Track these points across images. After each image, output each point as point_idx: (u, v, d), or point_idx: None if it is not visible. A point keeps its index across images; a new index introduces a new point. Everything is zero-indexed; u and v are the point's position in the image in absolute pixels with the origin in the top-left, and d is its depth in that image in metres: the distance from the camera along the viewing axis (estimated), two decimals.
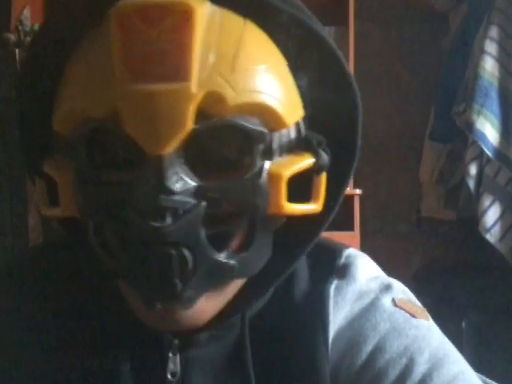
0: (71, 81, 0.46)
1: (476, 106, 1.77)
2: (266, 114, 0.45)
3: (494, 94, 1.78)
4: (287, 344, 0.53)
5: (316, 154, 0.49)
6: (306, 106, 0.50)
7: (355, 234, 1.86)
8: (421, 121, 2.25)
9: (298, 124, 0.49)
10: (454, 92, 1.96)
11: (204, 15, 0.43)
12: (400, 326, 0.53)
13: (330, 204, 0.52)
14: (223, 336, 0.52)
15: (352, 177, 1.81)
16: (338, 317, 0.54)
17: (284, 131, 0.47)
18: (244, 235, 0.47)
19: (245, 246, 0.47)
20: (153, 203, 0.41)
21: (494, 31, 1.79)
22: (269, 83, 0.45)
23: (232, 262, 0.46)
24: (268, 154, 0.46)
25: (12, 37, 2.09)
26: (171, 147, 0.42)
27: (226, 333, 0.52)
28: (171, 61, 0.41)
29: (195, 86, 0.41)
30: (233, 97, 0.43)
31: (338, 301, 0.55)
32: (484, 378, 0.61)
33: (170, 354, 0.51)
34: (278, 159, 0.47)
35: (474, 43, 1.87)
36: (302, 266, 0.57)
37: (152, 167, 0.42)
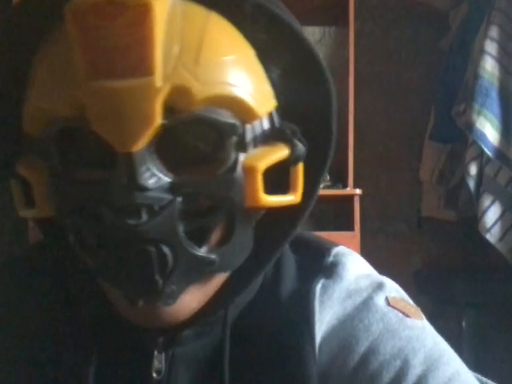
0: (36, 80, 0.46)
1: (476, 106, 1.77)
2: (235, 105, 0.44)
3: (494, 94, 1.78)
4: (271, 343, 0.52)
5: (291, 144, 0.48)
6: (278, 96, 0.49)
7: (355, 234, 1.85)
8: (421, 121, 2.25)
9: (270, 115, 0.48)
10: (454, 92, 1.96)
11: (165, 7, 0.42)
12: (393, 327, 0.52)
13: (310, 193, 0.51)
14: (208, 333, 0.52)
15: (352, 177, 1.81)
16: (325, 316, 0.53)
17: (256, 122, 0.47)
18: (223, 229, 0.47)
19: (225, 240, 0.47)
20: (127, 201, 0.41)
21: (494, 31, 1.79)
22: (236, 74, 0.44)
23: (212, 256, 0.46)
24: (242, 147, 0.45)
25: None
26: (141, 144, 0.41)
27: (210, 330, 0.52)
28: (133, 55, 0.40)
29: (160, 80, 0.41)
30: (199, 90, 0.42)
31: (324, 300, 0.53)
32: (480, 377, 0.60)
33: (155, 352, 0.51)
34: (252, 151, 0.46)
35: (474, 43, 1.87)
36: (289, 265, 0.56)
37: (123, 165, 0.41)
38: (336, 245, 0.59)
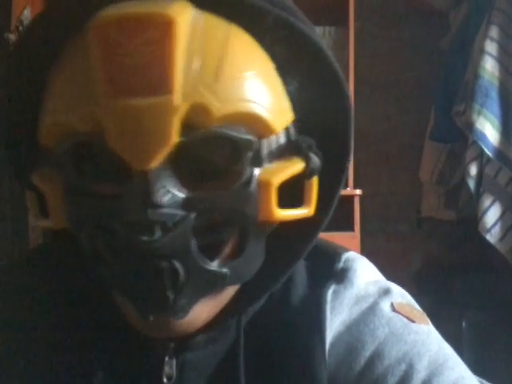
0: (54, 93, 0.46)
1: (476, 106, 1.77)
2: (252, 122, 0.44)
3: (494, 94, 1.78)
4: (283, 349, 0.52)
5: (306, 158, 0.48)
6: (295, 109, 0.49)
7: (355, 235, 1.86)
8: (421, 121, 2.25)
9: (287, 129, 0.48)
10: (454, 92, 1.95)
11: (186, 22, 0.41)
12: (399, 332, 0.52)
13: (326, 206, 0.51)
14: (219, 339, 0.52)
15: (352, 177, 1.81)
16: (335, 322, 0.53)
17: (273, 137, 0.46)
18: (236, 242, 0.47)
19: (237, 253, 0.47)
20: (140, 217, 0.41)
21: (494, 31, 1.79)
22: (255, 90, 0.44)
23: (224, 269, 0.46)
24: (257, 162, 0.45)
25: (12, 37, 2.10)
26: (157, 162, 0.41)
27: (221, 336, 0.52)
28: (152, 73, 0.40)
29: (178, 99, 0.41)
30: (217, 108, 0.42)
31: (335, 306, 0.54)
32: (484, 381, 0.60)
33: (166, 358, 0.51)
34: (267, 166, 0.46)
35: (474, 43, 1.87)
36: (300, 270, 0.56)
37: (138, 182, 0.41)
38: (346, 250, 0.59)
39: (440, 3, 2.21)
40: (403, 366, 0.50)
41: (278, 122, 0.46)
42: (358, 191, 1.87)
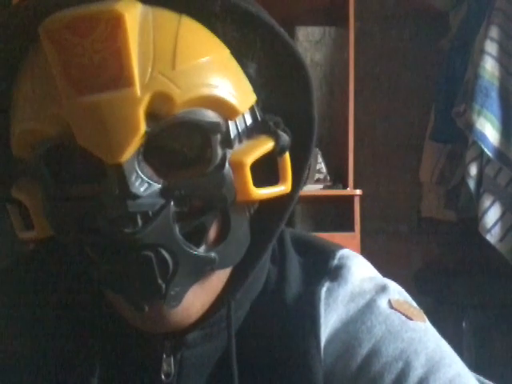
0: (20, 101, 0.46)
1: (476, 106, 1.77)
2: (216, 105, 0.45)
3: (494, 94, 1.78)
4: (277, 346, 0.52)
5: (275, 136, 0.49)
6: (258, 90, 0.50)
7: (355, 235, 1.85)
8: (421, 121, 2.25)
9: (252, 109, 0.49)
10: (454, 92, 1.96)
11: (136, 17, 0.43)
12: (396, 329, 0.52)
13: (297, 181, 0.52)
14: (216, 336, 0.52)
15: (352, 177, 1.81)
16: (330, 319, 0.53)
17: (239, 118, 0.47)
18: (219, 226, 0.48)
19: (222, 237, 0.48)
20: (121, 210, 0.42)
21: (494, 31, 1.79)
22: (213, 74, 0.45)
23: (212, 254, 0.47)
24: (227, 144, 0.46)
25: None
26: (128, 153, 0.42)
27: (218, 332, 0.52)
28: (111, 68, 0.41)
29: (140, 90, 0.42)
30: (178, 94, 0.43)
31: (329, 303, 0.54)
32: (482, 378, 0.60)
33: (164, 356, 0.51)
34: (238, 147, 0.47)
35: (474, 43, 1.87)
36: (294, 268, 0.56)
37: (114, 176, 0.42)
38: (340, 247, 0.59)
39: (440, 3, 2.21)
40: (400, 364, 0.50)
41: (242, 103, 0.47)
42: (358, 191, 1.87)
